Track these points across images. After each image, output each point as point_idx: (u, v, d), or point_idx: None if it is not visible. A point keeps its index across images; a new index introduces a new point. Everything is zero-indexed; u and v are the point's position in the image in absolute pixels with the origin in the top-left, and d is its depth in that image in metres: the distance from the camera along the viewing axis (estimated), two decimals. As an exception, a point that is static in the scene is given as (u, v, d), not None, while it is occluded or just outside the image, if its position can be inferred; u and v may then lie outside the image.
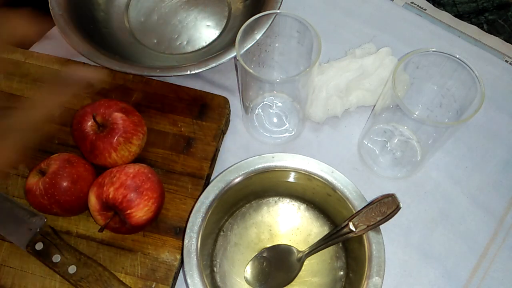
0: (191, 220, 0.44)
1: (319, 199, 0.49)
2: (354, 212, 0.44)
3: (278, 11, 0.52)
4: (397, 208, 0.40)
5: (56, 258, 0.45)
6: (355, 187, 0.45)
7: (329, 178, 0.45)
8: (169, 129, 0.53)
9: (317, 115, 0.55)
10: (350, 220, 0.42)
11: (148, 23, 0.64)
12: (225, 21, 0.64)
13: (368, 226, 0.41)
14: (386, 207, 0.40)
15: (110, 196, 0.42)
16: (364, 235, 0.42)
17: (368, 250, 0.42)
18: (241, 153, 0.56)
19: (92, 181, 0.46)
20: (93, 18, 0.62)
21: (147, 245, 0.47)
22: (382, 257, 0.42)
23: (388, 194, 0.40)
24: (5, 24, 0.36)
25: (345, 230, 0.42)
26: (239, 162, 0.46)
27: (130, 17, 0.65)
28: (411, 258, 0.50)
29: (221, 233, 0.49)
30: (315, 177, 0.46)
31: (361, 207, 0.42)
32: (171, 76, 0.55)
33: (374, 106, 0.56)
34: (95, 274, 0.44)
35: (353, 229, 0.41)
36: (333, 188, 0.45)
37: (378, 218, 0.40)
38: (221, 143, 0.56)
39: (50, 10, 0.57)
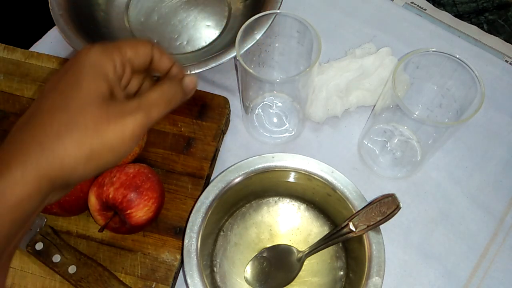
0: (191, 220, 0.44)
1: (319, 199, 0.49)
2: (354, 212, 0.44)
3: (278, 11, 0.52)
4: (397, 208, 0.40)
5: (56, 258, 0.45)
6: (355, 187, 0.45)
7: (329, 178, 0.45)
8: (169, 129, 0.53)
9: (317, 115, 0.55)
10: (350, 220, 0.42)
11: (148, 23, 0.64)
12: (225, 21, 0.64)
13: (368, 226, 0.41)
14: (386, 207, 0.40)
15: (110, 196, 0.42)
16: (364, 235, 0.42)
17: (368, 250, 0.42)
18: (241, 153, 0.56)
19: (92, 181, 0.46)
20: (93, 18, 0.62)
21: (147, 245, 0.47)
22: (382, 257, 0.42)
23: (388, 194, 0.40)
24: None
25: (345, 230, 0.42)
26: (239, 162, 0.46)
27: (130, 17, 0.65)
28: (411, 258, 0.50)
29: (221, 233, 0.49)
30: (315, 177, 0.46)
31: (361, 207, 0.42)
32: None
33: (374, 106, 0.56)
34: (95, 274, 0.44)
35: (353, 229, 0.42)
36: (333, 188, 0.45)
37: (378, 218, 0.40)
38: (221, 143, 0.56)
39: (50, 10, 0.57)
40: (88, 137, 0.28)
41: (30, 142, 0.27)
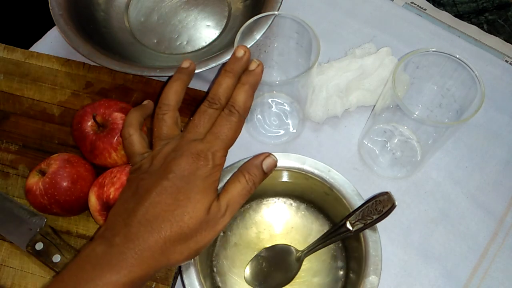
0: (191, 220, 0.43)
1: (317, 198, 0.49)
2: (351, 210, 0.44)
3: (277, 12, 0.52)
4: (393, 206, 0.39)
5: (56, 258, 0.45)
6: (352, 185, 0.45)
7: (326, 177, 0.45)
8: (169, 129, 0.53)
9: (317, 115, 0.55)
10: (347, 219, 0.42)
11: (148, 23, 0.64)
12: (225, 21, 0.64)
13: (365, 225, 0.41)
14: (382, 205, 0.40)
15: (111, 196, 0.42)
16: (361, 233, 0.42)
17: (365, 249, 0.42)
18: (241, 153, 0.56)
19: (92, 181, 0.46)
20: (93, 18, 0.62)
21: (147, 245, 0.47)
22: (379, 256, 0.42)
23: (384, 192, 0.40)
24: None
25: (342, 229, 0.42)
26: (239, 162, 0.46)
27: (130, 17, 0.65)
28: (411, 258, 0.50)
29: (221, 233, 0.49)
30: (312, 176, 0.46)
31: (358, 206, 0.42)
32: (171, 76, 0.55)
33: (374, 106, 0.56)
34: (95, 274, 0.44)
35: (350, 227, 0.41)
36: (330, 187, 0.45)
37: (375, 217, 0.40)
38: (221, 143, 0.56)
39: (50, 10, 0.57)
40: (191, 247, 0.34)
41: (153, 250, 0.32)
